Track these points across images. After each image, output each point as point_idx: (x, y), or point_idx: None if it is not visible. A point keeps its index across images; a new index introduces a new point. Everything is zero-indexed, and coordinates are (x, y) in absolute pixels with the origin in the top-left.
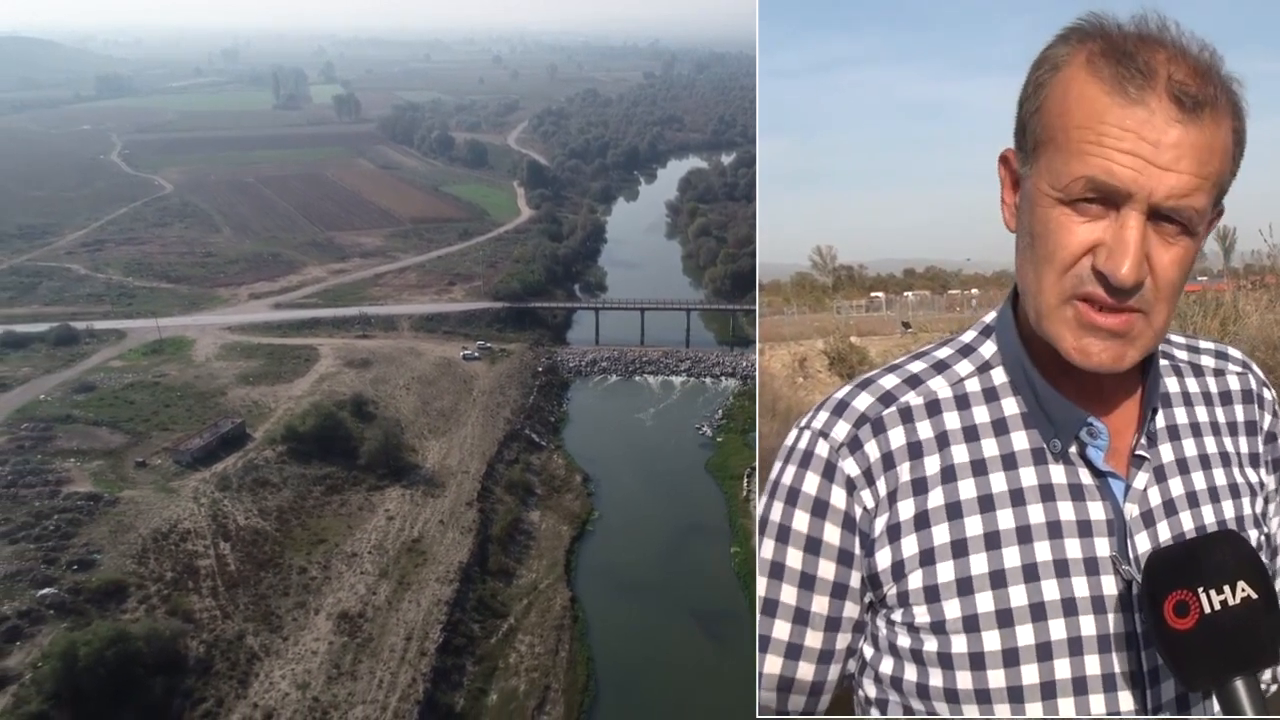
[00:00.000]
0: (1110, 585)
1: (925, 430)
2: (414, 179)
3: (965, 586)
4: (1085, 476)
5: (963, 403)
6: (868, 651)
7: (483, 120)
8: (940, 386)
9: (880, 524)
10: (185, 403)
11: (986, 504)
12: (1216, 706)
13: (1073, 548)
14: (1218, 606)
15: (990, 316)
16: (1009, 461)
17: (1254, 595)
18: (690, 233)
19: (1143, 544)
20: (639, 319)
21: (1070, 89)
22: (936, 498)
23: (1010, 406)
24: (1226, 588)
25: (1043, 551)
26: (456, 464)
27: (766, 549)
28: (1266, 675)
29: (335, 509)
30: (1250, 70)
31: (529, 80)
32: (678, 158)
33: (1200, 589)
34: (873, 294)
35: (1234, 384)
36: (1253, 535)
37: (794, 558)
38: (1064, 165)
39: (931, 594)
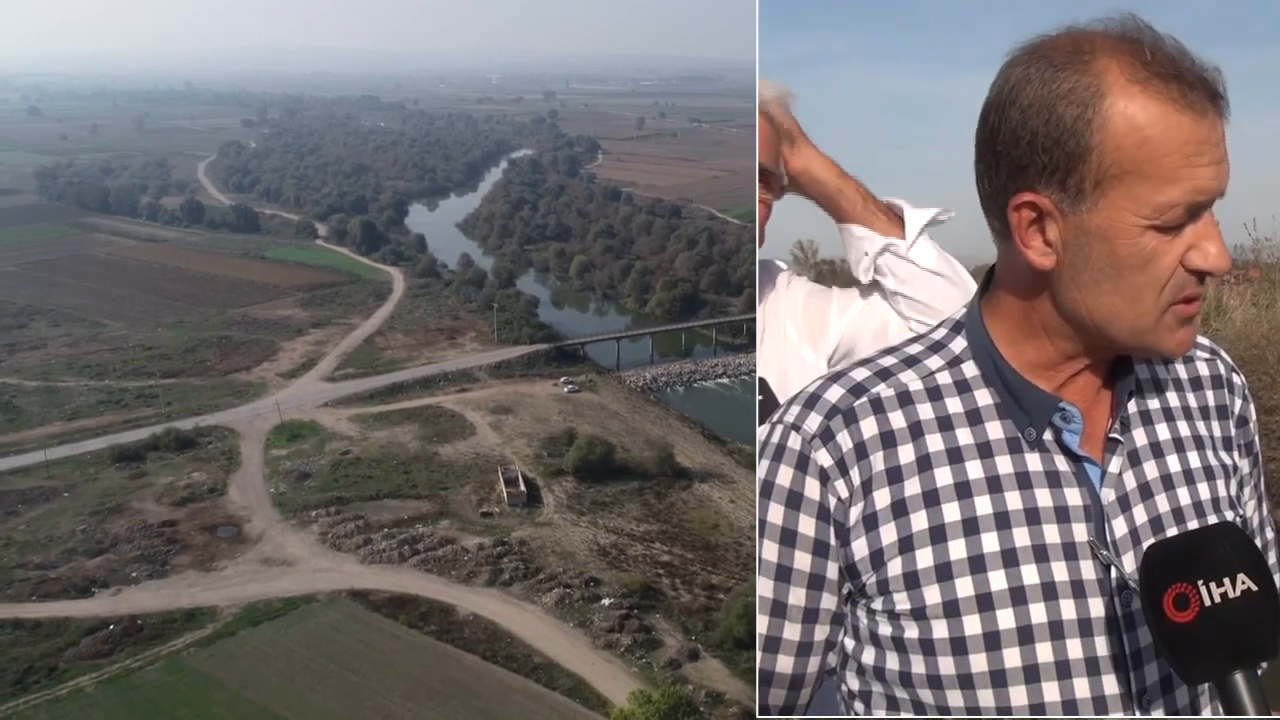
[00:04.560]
0: (1089, 570)
1: (898, 420)
2: (219, 249)
3: (944, 572)
4: (1061, 463)
5: (934, 394)
6: (849, 644)
7: (147, 182)
8: (911, 379)
9: (855, 513)
10: (418, 467)
11: (964, 490)
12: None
13: (1050, 533)
14: (1218, 599)
15: (960, 313)
16: (984, 450)
17: (1254, 587)
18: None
19: (1120, 528)
20: (614, 346)
21: (1138, 115)
22: (913, 486)
23: (984, 398)
24: (1227, 580)
25: (1021, 537)
26: (716, 465)
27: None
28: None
29: (691, 507)
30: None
31: (115, 134)
32: (440, 198)
33: (1200, 582)
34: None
35: (1203, 370)
36: (1229, 516)
37: (769, 550)
38: (1156, 194)
39: (911, 580)
